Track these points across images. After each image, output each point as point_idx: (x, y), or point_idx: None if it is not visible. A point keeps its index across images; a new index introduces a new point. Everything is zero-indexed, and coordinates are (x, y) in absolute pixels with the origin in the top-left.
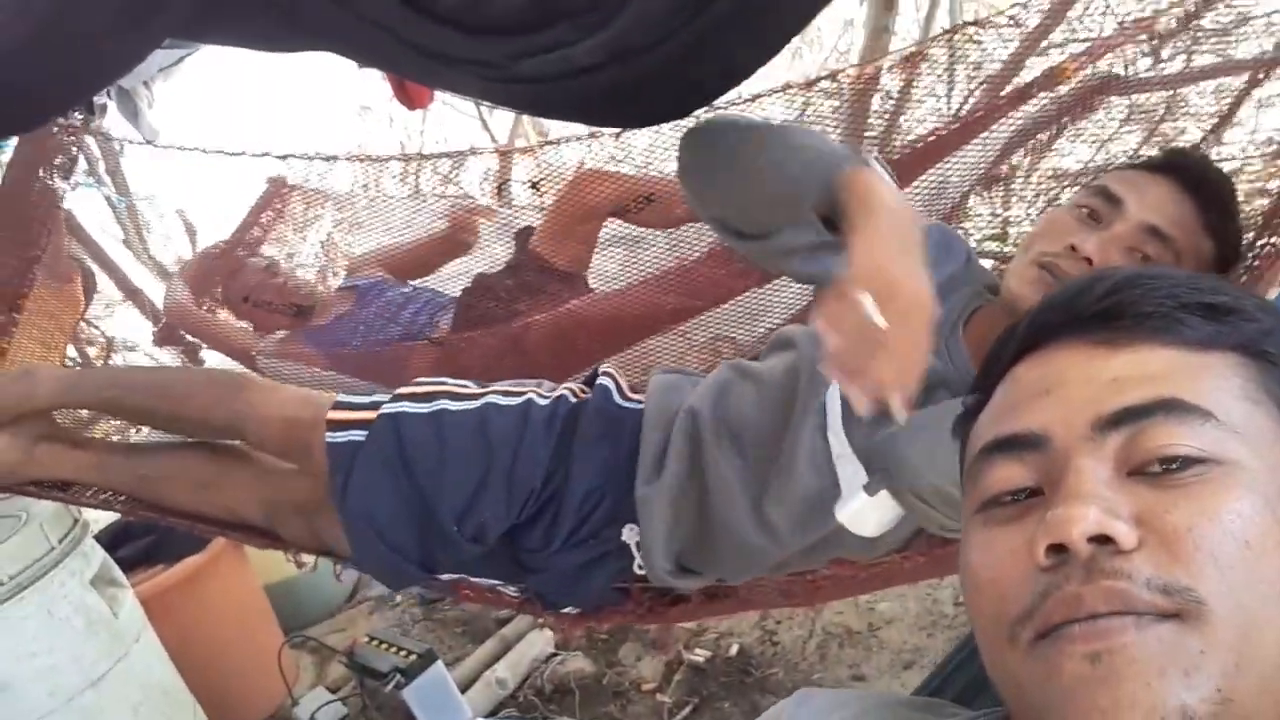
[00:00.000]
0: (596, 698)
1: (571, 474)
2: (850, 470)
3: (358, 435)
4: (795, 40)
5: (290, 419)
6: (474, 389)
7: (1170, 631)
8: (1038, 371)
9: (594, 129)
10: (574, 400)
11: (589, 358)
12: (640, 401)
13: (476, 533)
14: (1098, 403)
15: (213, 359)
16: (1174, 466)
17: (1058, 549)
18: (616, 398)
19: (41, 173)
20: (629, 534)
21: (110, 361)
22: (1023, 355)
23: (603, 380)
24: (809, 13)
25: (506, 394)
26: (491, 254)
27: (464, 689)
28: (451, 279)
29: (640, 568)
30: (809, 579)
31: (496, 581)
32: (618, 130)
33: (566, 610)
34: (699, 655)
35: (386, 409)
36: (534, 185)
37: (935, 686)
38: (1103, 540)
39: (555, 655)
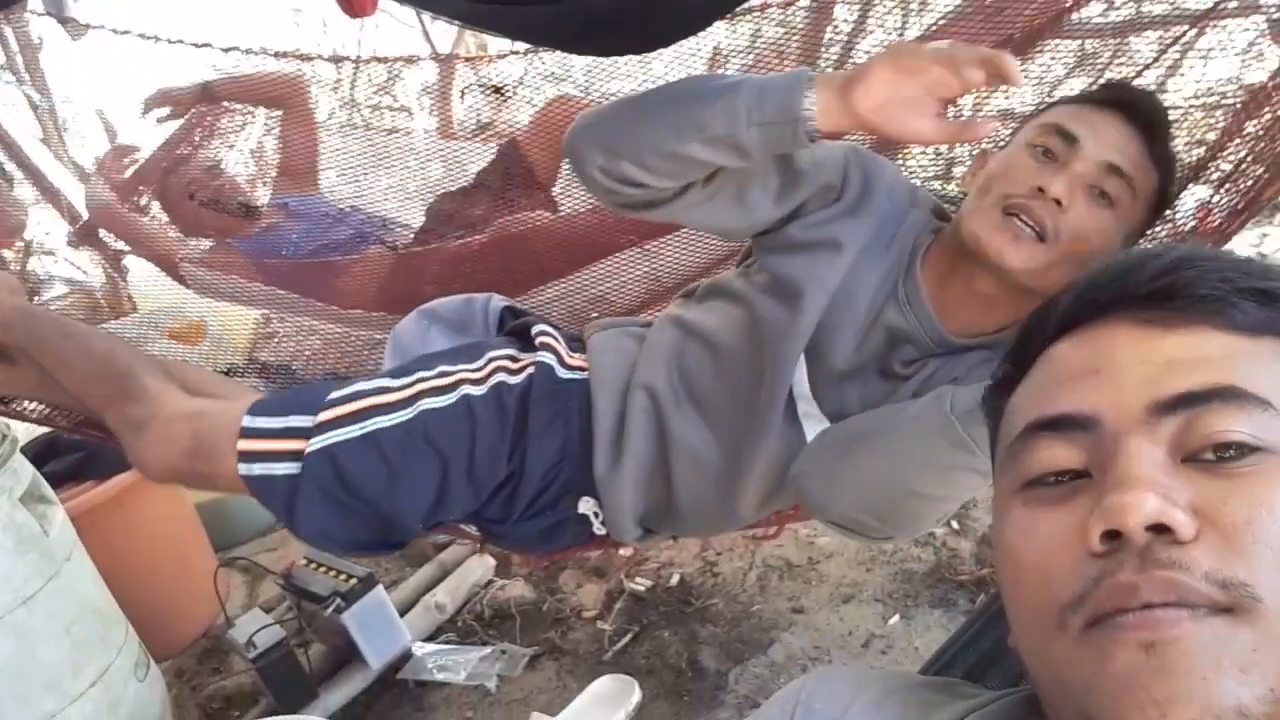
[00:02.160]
0: (537, 624)
1: (528, 455)
2: (818, 429)
3: (281, 468)
4: None
5: (193, 443)
6: (399, 393)
7: (1224, 625)
8: (1086, 350)
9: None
10: (514, 383)
11: (541, 275)
12: (583, 369)
13: (439, 523)
14: (1153, 385)
15: (137, 266)
16: (1229, 455)
17: (1112, 535)
18: (559, 370)
19: None
20: (585, 505)
21: (27, 266)
22: (1065, 331)
23: (542, 355)
24: None
25: (436, 390)
26: (451, 179)
27: (402, 613)
28: (390, 200)
29: (600, 529)
30: (771, 515)
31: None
32: None
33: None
34: (640, 584)
35: (317, 444)
36: (497, 90)
37: (945, 661)
38: (1160, 529)
39: (494, 581)
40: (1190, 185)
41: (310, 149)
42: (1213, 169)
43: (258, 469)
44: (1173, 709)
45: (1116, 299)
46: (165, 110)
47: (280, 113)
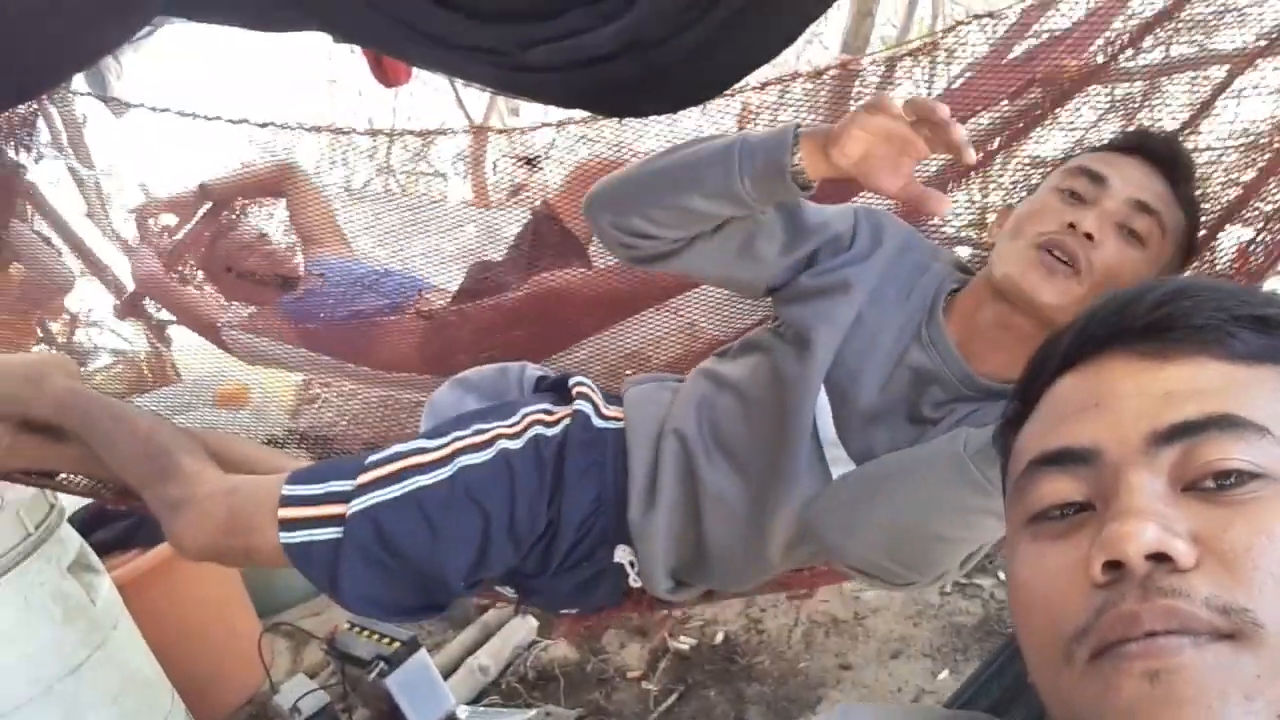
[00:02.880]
0: (581, 685)
1: (564, 507)
2: (844, 472)
3: (322, 534)
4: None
5: (230, 518)
6: (436, 452)
7: (1227, 652)
8: (1087, 384)
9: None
10: (550, 434)
11: (575, 334)
12: (619, 419)
13: (480, 580)
14: (1151, 416)
15: (180, 336)
16: (1229, 482)
17: (1114, 566)
18: (595, 420)
19: (1, 143)
20: (621, 554)
21: (74, 339)
22: (1068, 367)
23: (579, 404)
24: (820, 8)
25: (473, 448)
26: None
27: (446, 676)
28: (426, 263)
29: (635, 581)
30: (805, 573)
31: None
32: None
33: (565, 612)
34: (684, 643)
35: (358, 506)
36: (528, 162)
37: (970, 696)
38: (1160, 558)
39: (537, 642)
40: (1227, 226)
41: (326, 218)
42: (1252, 209)
43: (299, 536)
44: None
45: (1116, 333)
46: (173, 218)
47: (283, 200)
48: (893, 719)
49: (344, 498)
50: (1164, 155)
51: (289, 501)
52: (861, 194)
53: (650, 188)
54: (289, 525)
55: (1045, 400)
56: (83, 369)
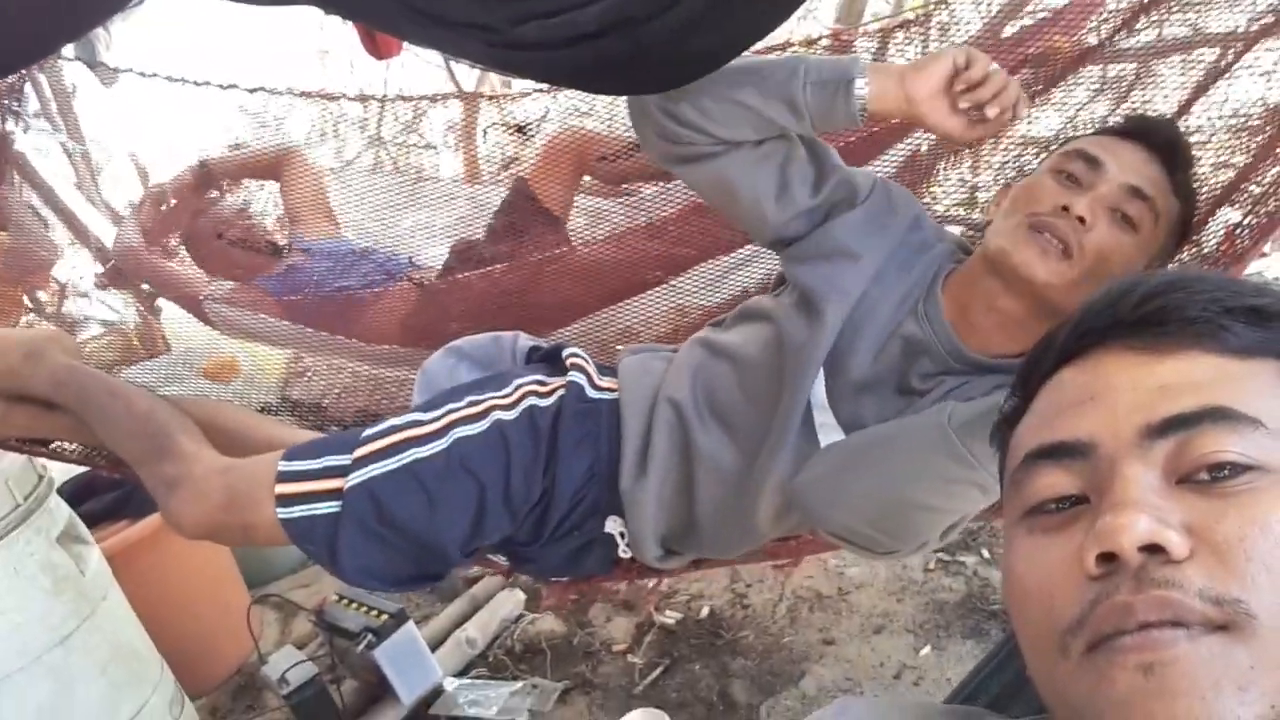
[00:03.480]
0: (567, 658)
1: (559, 476)
2: (832, 440)
3: (321, 508)
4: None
5: (228, 495)
6: (431, 424)
7: (1220, 644)
8: (1082, 378)
9: None
10: (545, 405)
11: (567, 314)
12: (613, 390)
13: (476, 549)
14: (1145, 410)
15: (170, 307)
16: (1223, 474)
17: (1108, 558)
18: (589, 391)
19: None
20: (612, 525)
21: (63, 309)
22: (1064, 361)
23: (573, 375)
24: None
25: (468, 419)
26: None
27: (433, 648)
28: (414, 242)
29: (625, 552)
30: (792, 542)
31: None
32: None
33: (555, 580)
34: (670, 617)
35: (355, 479)
36: (520, 129)
37: (970, 692)
38: (1154, 549)
39: (525, 615)
40: (1217, 210)
41: (321, 201)
42: (1242, 192)
43: (297, 511)
44: None
45: (1110, 326)
46: (173, 202)
47: (278, 185)
48: (891, 714)
49: (341, 472)
50: (1162, 141)
51: (286, 477)
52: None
53: (710, 77)
54: (286, 501)
55: (1041, 395)
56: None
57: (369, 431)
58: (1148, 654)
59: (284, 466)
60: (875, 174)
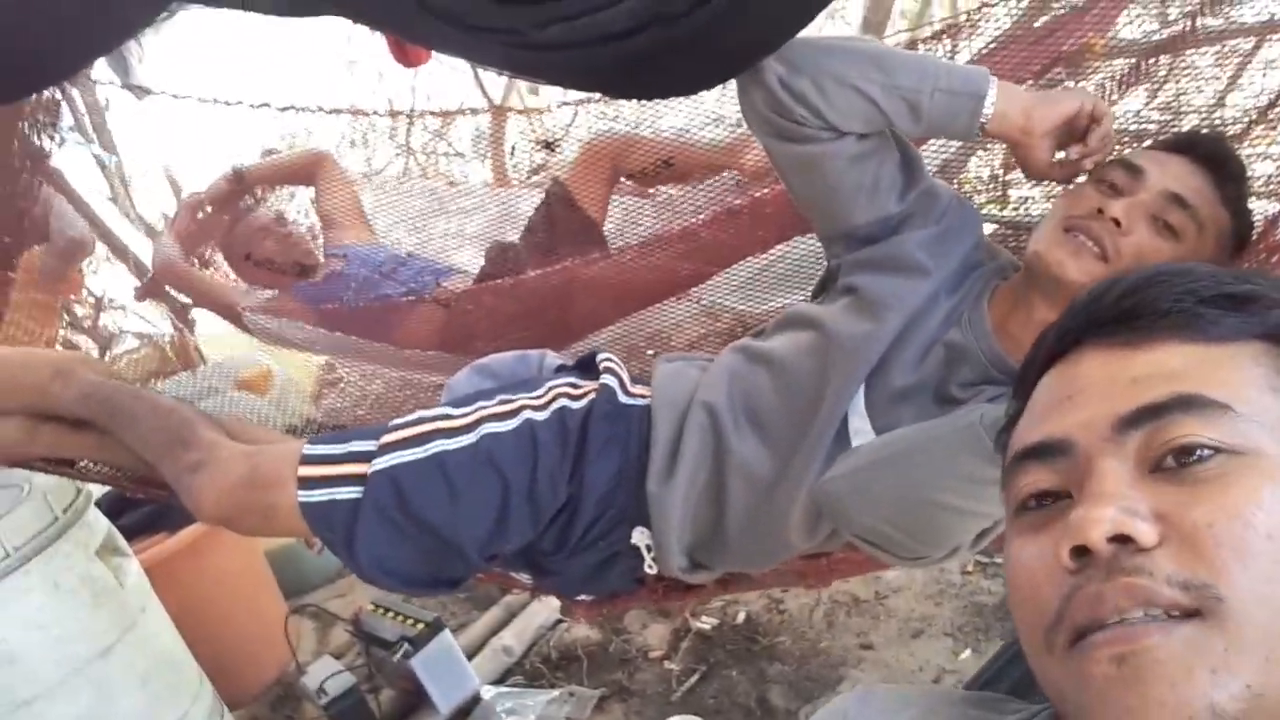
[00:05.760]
0: (604, 665)
1: (585, 481)
2: None
3: (343, 493)
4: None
5: (251, 473)
6: (461, 419)
7: (1194, 631)
8: (1064, 378)
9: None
10: (575, 407)
11: (594, 321)
12: (644, 396)
13: (497, 553)
14: (1118, 403)
15: (204, 319)
16: (1190, 459)
17: (1081, 551)
18: (621, 396)
19: (25, 128)
20: (639, 536)
21: (99, 322)
22: (1052, 362)
23: (606, 378)
24: None
25: (498, 417)
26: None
27: (470, 657)
28: (447, 248)
29: (651, 566)
30: (823, 561)
31: (509, 571)
32: None
33: (580, 598)
34: (706, 623)
35: (380, 464)
36: (548, 145)
37: (989, 678)
38: (1123, 540)
39: (561, 622)
40: (1256, 201)
41: (352, 205)
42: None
43: (318, 495)
44: (1146, 715)
45: (1089, 325)
46: (209, 209)
47: (310, 193)
48: (910, 701)
49: (366, 457)
50: (1208, 153)
51: (310, 460)
52: None
53: (840, 58)
54: (309, 483)
55: (1033, 396)
56: (108, 353)
57: (398, 420)
58: (1120, 646)
59: (309, 450)
60: (953, 190)
